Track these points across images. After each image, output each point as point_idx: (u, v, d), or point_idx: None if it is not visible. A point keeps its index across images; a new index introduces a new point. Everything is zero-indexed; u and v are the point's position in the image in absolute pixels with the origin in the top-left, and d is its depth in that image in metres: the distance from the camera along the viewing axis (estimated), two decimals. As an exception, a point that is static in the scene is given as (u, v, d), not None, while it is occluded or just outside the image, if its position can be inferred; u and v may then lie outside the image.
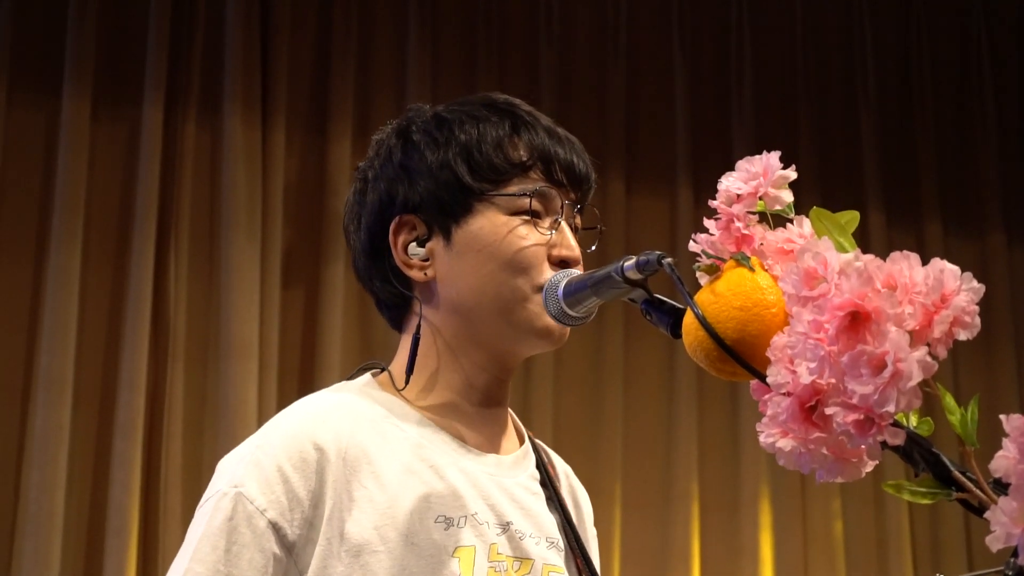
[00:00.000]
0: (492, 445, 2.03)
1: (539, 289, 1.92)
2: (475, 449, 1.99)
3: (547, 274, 1.93)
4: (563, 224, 1.98)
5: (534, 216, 1.97)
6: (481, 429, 2.02)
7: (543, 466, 2.09)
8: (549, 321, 1.92)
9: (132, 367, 4.42)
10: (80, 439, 4.42)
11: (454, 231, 1.97)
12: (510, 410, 2.12)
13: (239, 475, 1.86)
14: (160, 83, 4.68)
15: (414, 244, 2.00)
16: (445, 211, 1.98)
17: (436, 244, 1.99)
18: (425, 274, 2.00)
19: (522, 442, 2.11)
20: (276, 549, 1.81)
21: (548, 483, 2.07)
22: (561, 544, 2.01)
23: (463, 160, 1.99)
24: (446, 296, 1.99)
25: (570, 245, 1.96)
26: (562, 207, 1.98)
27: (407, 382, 2.00)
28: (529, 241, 1.94)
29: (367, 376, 2.06)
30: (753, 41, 5.61)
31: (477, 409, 2.02)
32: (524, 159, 1.98)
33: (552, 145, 2.00)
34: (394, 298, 2.05)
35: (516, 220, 1.96)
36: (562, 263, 1.95)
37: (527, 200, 1.96)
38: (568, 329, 1.96)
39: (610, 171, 5.21)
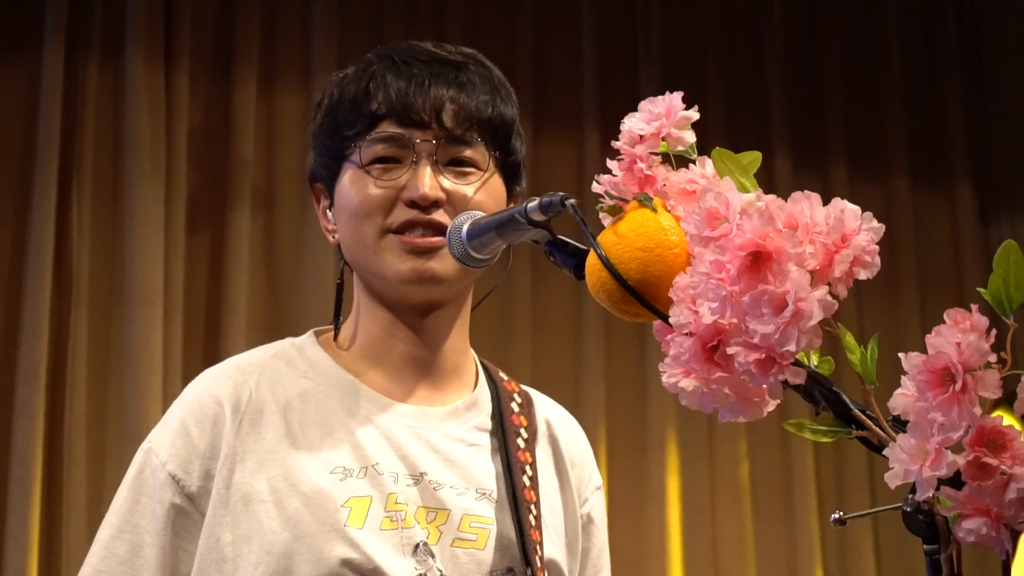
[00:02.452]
0: (422, 397, 2.02)
1: (384, 232, 1.95)
2: (396, 402, 1.99)
3: (401, 216, 1.94)
4: (421, 165, 1.96)
5: (390, 162, 1.97)
6: (409, 381, 2.03)
7: (500, 416, 2.07)
8: (401, 264, 1.94)
9: (35, 314, 4.37)
10: (-18, 386, 4.37)
11: (335, 194, 2.03)
12: (475, 357, 2.13)
13: (154, 432, 1.98)
14: (61, 25, 4.60)
15: (329, 211, 2.06)
16: (327, 176, 2.04)
17: (333, 208, 2.04)
18: (334, 237, 2.05)
19: (474, 390, 2.09)
20: (176, 499, 1.90)
21: (500, 433, 2.06)
22: (495, 495, 2.00)
23: (328, 125, 2.03)
24: (347, 256, 2.04)
25: (416, 185, 1.94)
26: (415, 147, 1.97)
27: (336, 332, 2.06)
28: (373, 188, 1.96)
29: (309, 333, 2.10)
30: (660, -15, 5.61)
31: (406, 359, 2.03)
32: (374, 109, 1.98)
33: (409, 87, 1.98)
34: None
35: (365, 172, 1.97)
36: (412, 205, 1.94)
37: (372, 149, 1.97)
38: (430, 265, 1.95)
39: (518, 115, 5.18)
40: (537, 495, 2.04)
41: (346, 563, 1.83)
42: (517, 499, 2.01)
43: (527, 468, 2.05)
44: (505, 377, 2.16)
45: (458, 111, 1.99)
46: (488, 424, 2.06)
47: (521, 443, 2.08)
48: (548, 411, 2.20)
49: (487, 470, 2.01)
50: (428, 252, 1.95)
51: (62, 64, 4.59)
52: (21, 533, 4.16)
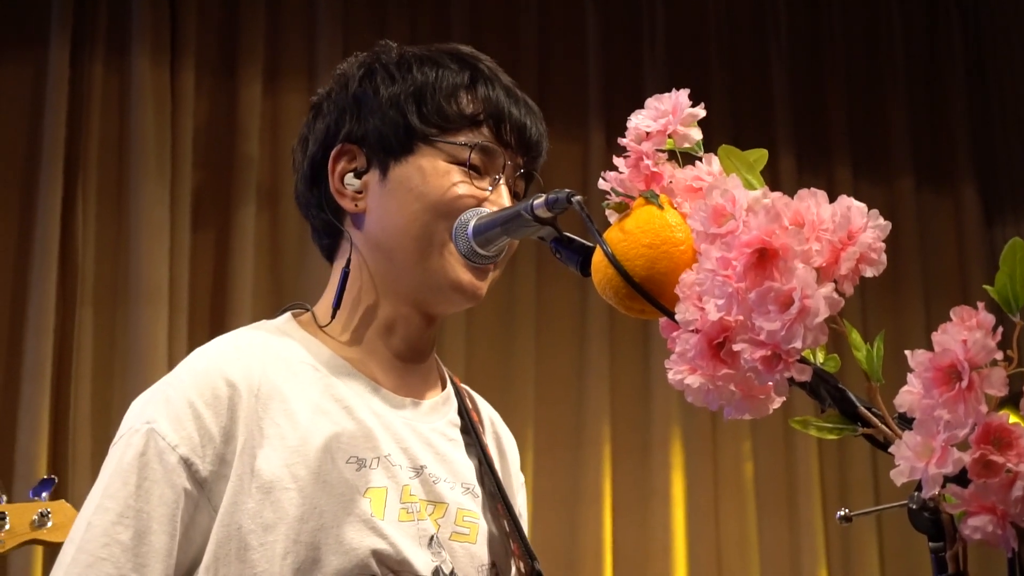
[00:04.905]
0: (409, 390, 2.02)
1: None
2: (391, 392, 1.98)
3: None
4: (502, 185, 1.97)
5: (474, 171, 1.96)
6: (399, 374, 2.02)
7: (466, 412, 2.09)
8: (464, 275, 1.93)
9: (39, 311, 4.37)
10: (-14, 384, 4.38)
11: (392, 168, 1.97)
12: (435, 354, 2.12)
13: (151, 412, 1.86)
14: (67, 23, 4.62)
15: (351, 175, 2.00)
16: (386, 147, 1.98)
17: (372, 178, 1.99)
18: (356, 205, 2.00)
19: (444, 388, 2.10)
20: (187, 484, 1.81)
21: (470, 429, 2.07)
22: (477, 491, 2.01)
23: (414, 101, 1.98)
24: (373, 233, 1.99)
25: (502, 205, 1.94)
26: (504, 167, 1.98)
27: (333, 316, 2.00)
28: (461, 189, 1.93)
29: (287, 315, 2.06)
30: (665, -16, 5.62)
31: (397, 355, 2.02)
32: (476, 112, 1.98)
33: (507, 105, 2.00)
34: (327, 227, 2.04)
35: (455, 169, 1.95)
36: None
37: (468, 152, 1.95)
38: (484, 286, 1.96)
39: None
40: (509, 490, 2.08)
41: (375, 554, 1.81)
42: (504, 495, 2.03)
43: (496, 464, 2.08)
44: (452, 374, 2.17)
45: (536, 145, 2.04)
46: (458, 420, 2.08)
47: (487, 440, 2.11)
48: (488, 410, 2.23)
49: (467, 465, 2.03)
50: (486, 272, 1.96)
51: (67, 62, 4.60)
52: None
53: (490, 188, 1.95)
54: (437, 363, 2.13)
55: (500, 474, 2.10)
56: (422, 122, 1.97)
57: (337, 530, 1.81)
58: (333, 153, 2.01)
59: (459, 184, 1.93)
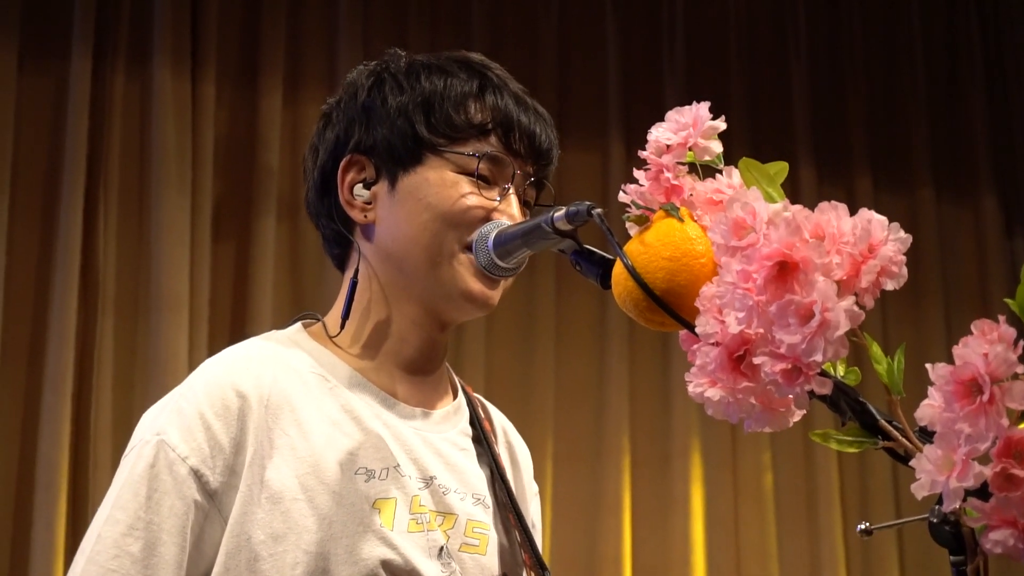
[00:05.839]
0: (421, 400, 2.02)
1: (469, 248, 1.92)
2: (401, 403, 1.98)
3: None
4: (511, 194, 1.97)
5: (483, 180, 1.95)
6: (410, 384, 2.02)
7: (478, 422, 2.09)
8: (474, 284, 1.92)
9: (61, 320, 4.38)
10: (8, 393, 4.39)
11: (401, 178, 1.97)
12: (446, 363, 2.12)
13: (161, 423, 1.87)
14: (88, 35, 4.63)
15: (360, 185, 2.01)
16: (395, 157, 1.98)
17: (381, 188, 1.99)
18: (365, 216, 2.00)
19: (455, 397, 2.10)
20: (197, 496, 1.82)
21: (481, 439, 2.07)
22: (488, 501, 2.01)
23: (422, 111, 1.98)
24: (383, 243, 1.99)
25: (512, 215, 1.94)
26: (513, 176, 1.97)
27: (342, 327, 2.00)
28: (470, 200, 1.93)
29: (297, 325, 2.06)
30: (685, -5, 5.62)
31: (408, 365, 2.02)
32: (484, 121, 1.98)
33: (516, 113, 1.99)
34: (337, 236, 2.05)
35: (464, 179, 1.95)
36: None
37: (476, 162, 1.95)
38: (495, 295, 1.95)
39: (541, 125, 5.20)
40: (521, 500, 2.07)
41: (384, 564, 1.81)
42: (516, 506, 2.02)
43: (507, 474, 2.07)
44: (465, 384, 2.17)
45: (547, 152, 2.03)
46: (470, 430, 2.08)
47: (499, 449, 2.10)
48: (502, 419, 2.23)
49: (479, 475, 2.02)
50: (496, 281, 1.95)
51: (89, 73, 4.61)
52: (47, 539, 4.18)
53: (499, 198, 1.95)
54: (448, 372, 2.13)
55: (512, 484, 2.09)
56: (430, 132, 1.97)
57: (347, 540, 1.81)
58: (342, 164, 2.03)
59: (468, 195, 1.93)
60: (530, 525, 2.10)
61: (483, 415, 2.13)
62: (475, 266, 1.92)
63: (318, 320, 2.06)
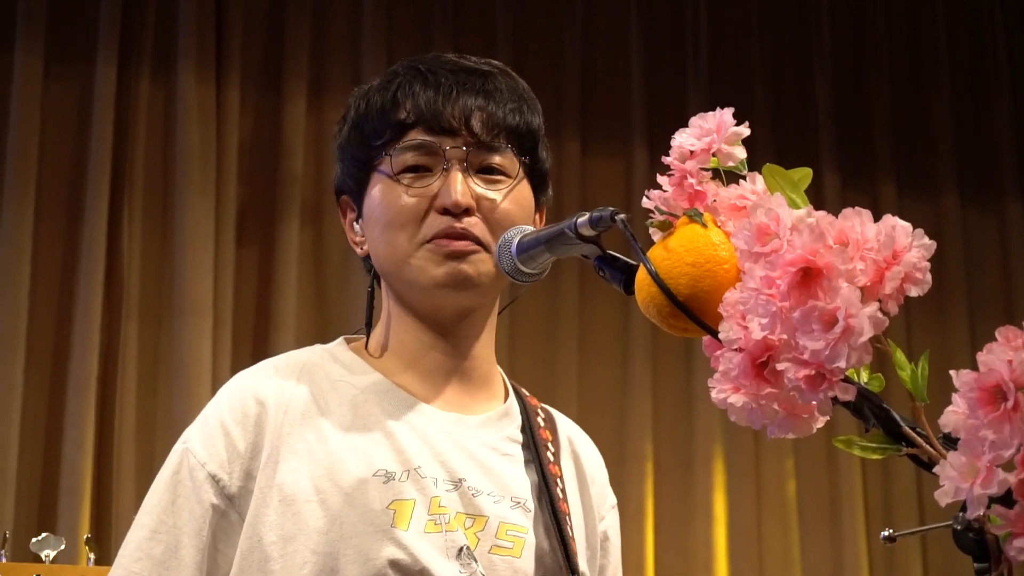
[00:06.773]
0: (457, 404, 2.02)
1: (421, 243, 1.94)
2: (432, 407, 1.99)
3: (435, 226, 1.93)
4: (452, 172, 1.95)
5: (424, 171, 1.96)
6: (442, 387, 2.02)
7: (530, 429, 2.08)
8: (436, 270, 1.93)
9: (85, 325, 4.41)
10: (33, 397, 4.41)
11: (364, 205, 2.02)
12: (500, 371, 2.12)
13: (189, 432, 1.94)
14: (113, 40, 4.65)
15: (355, 222, 2.06)
16: (356, 189, 2.03)
17: (361, 220, 2.04)
18: (362, 249, 2.05)
19: (505, 403, 2.10)
20: (215, 500, 1.87)
21: (531, 445, 2.06)
22: (530, 505, 2.00)
23: (355, 137, 2.02)
24: (377, 267, 2.04)
25: (448, 192, 1.93)
26: (445, 155, 1.96)
27: (368, 337, 2.05)
28: (404, 199, 1.95)
29: (340, 339, 2.10)
30: (708, 1, 5.61)
31: (436, 370, 2.02)
32: (403, 118, 1.97)
33: (434, 96, 1.97)
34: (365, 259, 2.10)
35: (397, 184, 1.96)
36: (444, 212, 1.93)
37: (402, 157, 1.96)
38: (466, 268, 1.94)
39: (565, 131, 5.21)
40: (568, 508, 2.05)
41: (393, 564, 1.82)
42: (556, 511, 2.01)
43: (558, 481, 2.06)
44: (527, 393, 2.17)
45: (487, 118, 1.98)
46: (519, 436, 2.07)
47: (551, 456, 2.09)
48: (569, 429, 2.21)
49: (520, 480, 2.01)
50: (461, 256, 1.94)
51: (114, 78, 4.63)
52: (71, 542, 4.20)
53: (435, 183, 1.95)
54: (501, 378, 2.13)
55: (576, 493, 2.09)
56: (363, 152, 2.00)
57: (356, 541, 1.82)
58: (340, 208, 2.10)
59: (402, 195, 1.95)
60: (601, 538, 2.12)
61: (542, 423, 2.12)
62: (433, 253, 1.93)
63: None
